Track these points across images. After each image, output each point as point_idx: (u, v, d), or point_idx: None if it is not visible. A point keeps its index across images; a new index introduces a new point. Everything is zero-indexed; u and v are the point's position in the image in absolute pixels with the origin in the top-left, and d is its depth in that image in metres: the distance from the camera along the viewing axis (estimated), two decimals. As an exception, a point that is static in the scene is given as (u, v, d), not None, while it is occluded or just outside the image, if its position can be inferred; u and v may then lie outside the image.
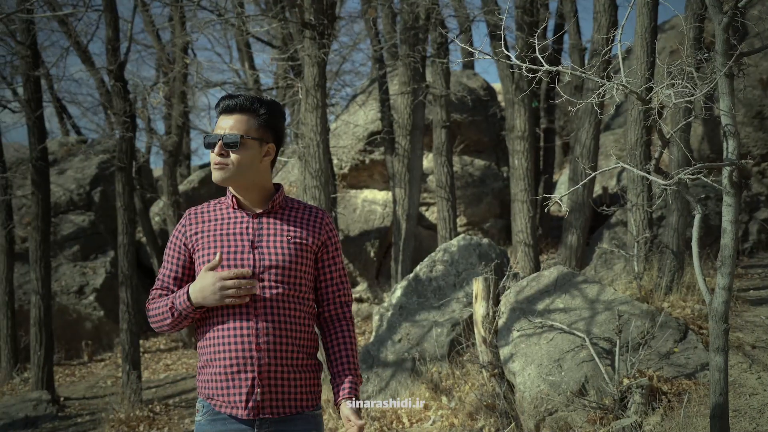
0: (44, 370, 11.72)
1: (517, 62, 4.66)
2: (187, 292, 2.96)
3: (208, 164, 20.24)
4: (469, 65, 18.23)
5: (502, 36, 4.72)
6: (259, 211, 3.10)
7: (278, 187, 3.19)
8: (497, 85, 19.87)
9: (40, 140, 11.91)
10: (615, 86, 4.11)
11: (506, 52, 4.86)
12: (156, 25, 16.22)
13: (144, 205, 15.92)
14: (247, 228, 3.06)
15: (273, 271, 3.01)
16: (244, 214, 3.09)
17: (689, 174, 4.29)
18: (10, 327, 13.42)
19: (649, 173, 4.60)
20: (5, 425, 10.77)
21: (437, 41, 11.74)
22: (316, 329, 3.19)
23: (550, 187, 16.31)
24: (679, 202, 7.73)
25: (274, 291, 2.99)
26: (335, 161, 15.16)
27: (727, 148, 4.51)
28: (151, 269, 16.59)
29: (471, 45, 15.65)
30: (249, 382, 2.94)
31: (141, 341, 13.27)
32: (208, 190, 17.70)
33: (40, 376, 11.71)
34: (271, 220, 3.10)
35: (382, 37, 14.30)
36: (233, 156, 3.02)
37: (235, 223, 3.08)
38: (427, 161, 14.78)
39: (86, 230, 16.20)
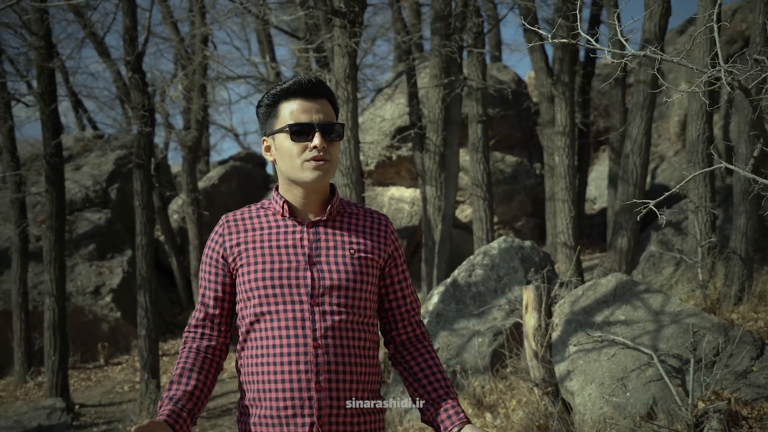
0: (58, 375, 11.21)
1: (598, 46, 4.07)
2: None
3: (227, 160, 19.66)
4: (497, 58, 17.58)
5: (578, 19, 4.16)
6: (314, 218, 2.51)
7: (333, 188, 2.59)
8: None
9: (55, 135, 11.37)
10: (723, 75, 3.49)
11: (581, 33, 4.26)
12: (174, 16, 15.72)
13: (162, 202, 15.42)
14: (302, 239, 2.47)
15: (335, 293, 2.43)
16: (296, 223, 2.49)
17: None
18: (24, 329, 12.99)
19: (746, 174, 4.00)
20: (18, 434, 10.32)
21: (473, 30, 11.03)
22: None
23: (584, 184, 15.64)
24: (747, 204, 7.07)
25: (336, 318, 2.41)
26: (361, 157, 14.57)
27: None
28: (170, 269, 16.07)
29: (499, 37, 15.02)
30: (306, 429, 2.37)
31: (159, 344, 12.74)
32: (228, 187, 17.13)
33: (54, 382, 11.20)
34: (330, 230, 2.51)
35: (408, 29, 13.68)
36: (332, 149, 2.49)
37: (286, 233, 2.49)
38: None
39: (102, 228, 15.69)
